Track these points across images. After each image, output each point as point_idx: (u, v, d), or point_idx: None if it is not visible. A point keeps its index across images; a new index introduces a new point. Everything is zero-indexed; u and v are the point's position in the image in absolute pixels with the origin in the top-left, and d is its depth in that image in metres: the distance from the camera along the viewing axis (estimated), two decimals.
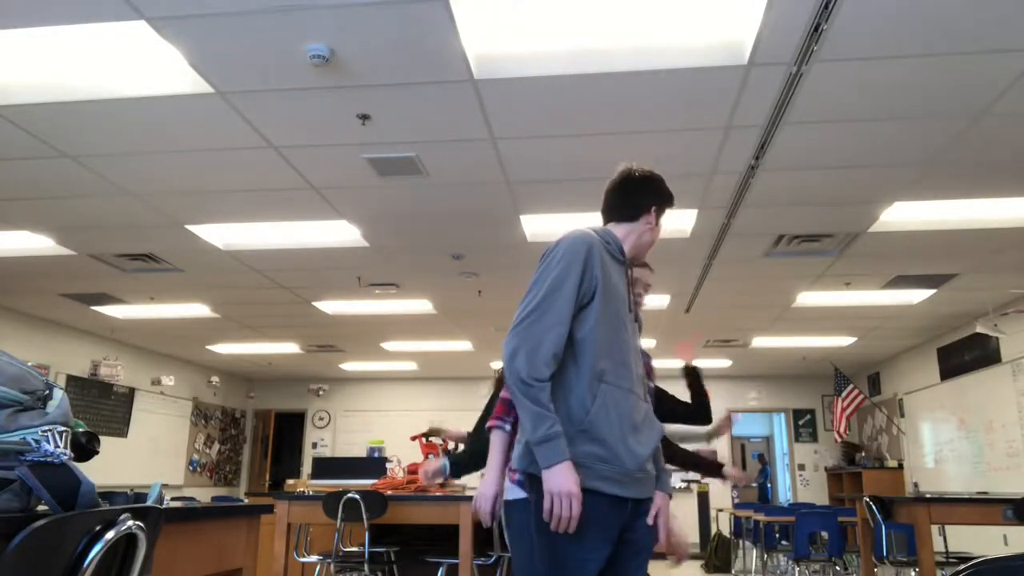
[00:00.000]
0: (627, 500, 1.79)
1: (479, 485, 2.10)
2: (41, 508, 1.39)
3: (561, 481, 1.65)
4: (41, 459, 1.36)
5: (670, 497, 1.99)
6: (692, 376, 3.16)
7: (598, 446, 1.73)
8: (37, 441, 1.36)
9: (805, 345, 9.45)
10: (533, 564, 1.75)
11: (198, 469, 11.38)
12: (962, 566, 1.34)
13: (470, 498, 3.72)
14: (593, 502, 1.70)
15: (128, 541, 1.44)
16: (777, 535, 6.93)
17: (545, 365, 1.71)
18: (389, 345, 9.76)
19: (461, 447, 4.93)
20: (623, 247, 1.96)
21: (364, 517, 3.68)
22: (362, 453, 11.89)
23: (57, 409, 1.43)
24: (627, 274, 1.97)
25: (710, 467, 3.08)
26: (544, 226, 5.35)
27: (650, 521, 1.86)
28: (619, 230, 1.99)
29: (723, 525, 10.15)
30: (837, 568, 6.00)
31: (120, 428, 9.64)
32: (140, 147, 4.13)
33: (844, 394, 9.68)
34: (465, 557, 3.57)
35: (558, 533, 1.67)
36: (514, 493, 1.94)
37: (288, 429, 12.90)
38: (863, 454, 10.92)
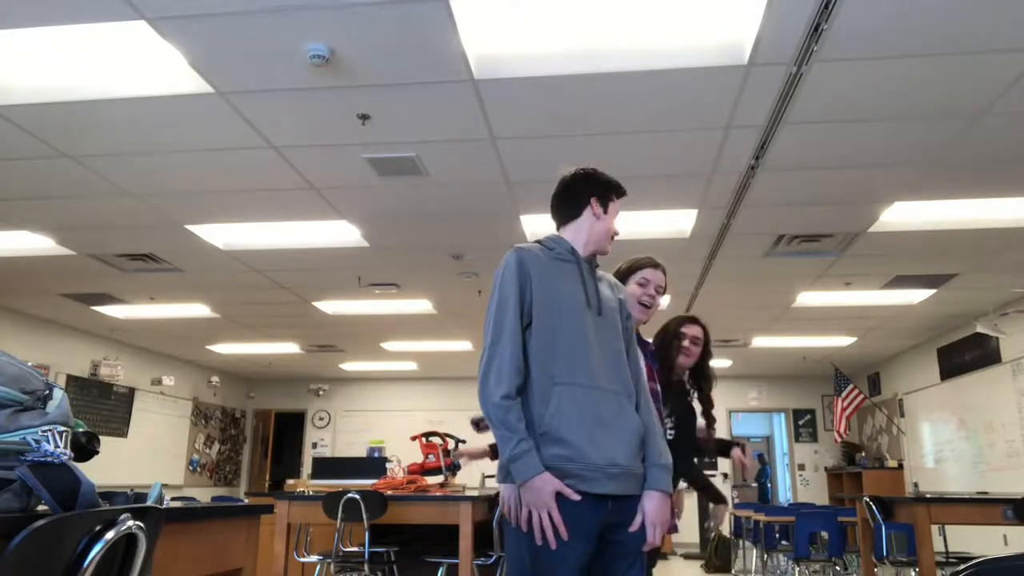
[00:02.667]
0: (605, 498, 1.79)
1: (502, 491, 2.02)
2: (41, 508, 1.39)
3: (534, 496, 1.74)
4: (41, 459, 1.36)
5: (668, 495, 1.89)
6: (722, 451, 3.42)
7: (561, 447, 1.78)
8: (37, 441, 1.36)
9: (805, 345, 9.45)
10: (522, 561, 1.80)
11: (198, 469, 11.38)
12: (962, 566, 1.34)
13: (470, 498, 3.72)
14: (567, 502, 1.74)
15: (128, 541, 1.44)
16: (777, 535, 6.93)
17: (508, 382, 1.81)
18: (389, 345, 9.76)
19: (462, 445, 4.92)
20: (573, 247, 2.02)
21: (364, 517, 3.68)
22: (362, 453, 11.89)
23: (57, 409, 1.43)
24: (584, 271, 1.99)
25: (713, 494, 3.21)
26: (544, 226, 5.34)
27: (632, 528, 1.82)
28: (567, 231, 2.07)
29: (723, 525, 10.15)
30: (837, 568, 6.00)
31: (120, 428, 9.64)
32: (140, 147, 4.13)
33: (844, 394, 9.68)
34: (465, 557, 3.57)
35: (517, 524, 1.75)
36: None
37: (288, 429, 12.90)
38: (863, 454, 10.91)
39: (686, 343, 2.90)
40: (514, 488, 1.83)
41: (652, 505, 1.84)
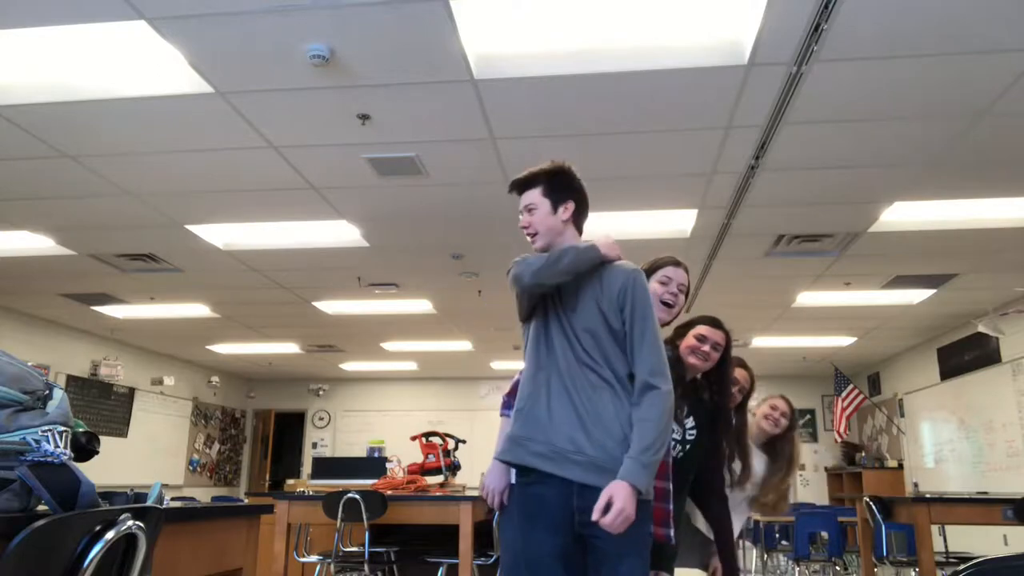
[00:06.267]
0: (571, 483, 1.80)
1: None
2: (41, 508, 1.39)
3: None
4: (41, 459, 1.36)
5: (634, 489, 1.73)
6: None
7: (532, 424, 1.91)
8: (37, 441, 1.36)
9: (805, 345, 9.44)
10: (508, 552, 1.95)
11: (198, 469, 11.37)
12: (962, 566, 1.34)
13: (470, 498, 3.72)
14: (532, 487, 1.86)
15: (128, 541, 1.44)
16: (777, 535, 6.93)
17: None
18: (389, 345, 9.75)
19: (460, 447, 4.92)
20: None
21: (364, 517, 3.68)
22: (362, 453, 11.87)
23: (57, 409, 1.43)
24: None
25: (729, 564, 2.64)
26: None
27: (594, 517, 1.70)
28: None
29: None
30: (837, 568, 6.00)
31: (120, 428, 9.63)
32: (140, 147, 4.13)
33: (844, 394, 9.67)
34: (465, 557, 3.57)
35: (507, 521, 1.88)
36: None
37: (288, 429, 12.89)
38: (863, 454, 10.91)
39: (692, 341, 2.59)
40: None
41: (620, 494, 1.71)
